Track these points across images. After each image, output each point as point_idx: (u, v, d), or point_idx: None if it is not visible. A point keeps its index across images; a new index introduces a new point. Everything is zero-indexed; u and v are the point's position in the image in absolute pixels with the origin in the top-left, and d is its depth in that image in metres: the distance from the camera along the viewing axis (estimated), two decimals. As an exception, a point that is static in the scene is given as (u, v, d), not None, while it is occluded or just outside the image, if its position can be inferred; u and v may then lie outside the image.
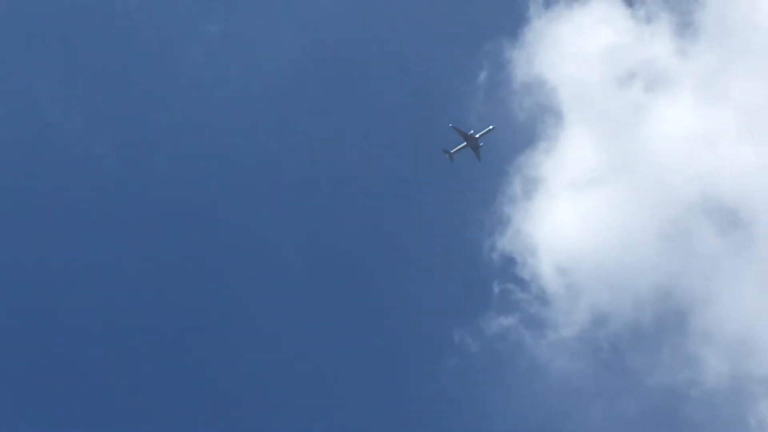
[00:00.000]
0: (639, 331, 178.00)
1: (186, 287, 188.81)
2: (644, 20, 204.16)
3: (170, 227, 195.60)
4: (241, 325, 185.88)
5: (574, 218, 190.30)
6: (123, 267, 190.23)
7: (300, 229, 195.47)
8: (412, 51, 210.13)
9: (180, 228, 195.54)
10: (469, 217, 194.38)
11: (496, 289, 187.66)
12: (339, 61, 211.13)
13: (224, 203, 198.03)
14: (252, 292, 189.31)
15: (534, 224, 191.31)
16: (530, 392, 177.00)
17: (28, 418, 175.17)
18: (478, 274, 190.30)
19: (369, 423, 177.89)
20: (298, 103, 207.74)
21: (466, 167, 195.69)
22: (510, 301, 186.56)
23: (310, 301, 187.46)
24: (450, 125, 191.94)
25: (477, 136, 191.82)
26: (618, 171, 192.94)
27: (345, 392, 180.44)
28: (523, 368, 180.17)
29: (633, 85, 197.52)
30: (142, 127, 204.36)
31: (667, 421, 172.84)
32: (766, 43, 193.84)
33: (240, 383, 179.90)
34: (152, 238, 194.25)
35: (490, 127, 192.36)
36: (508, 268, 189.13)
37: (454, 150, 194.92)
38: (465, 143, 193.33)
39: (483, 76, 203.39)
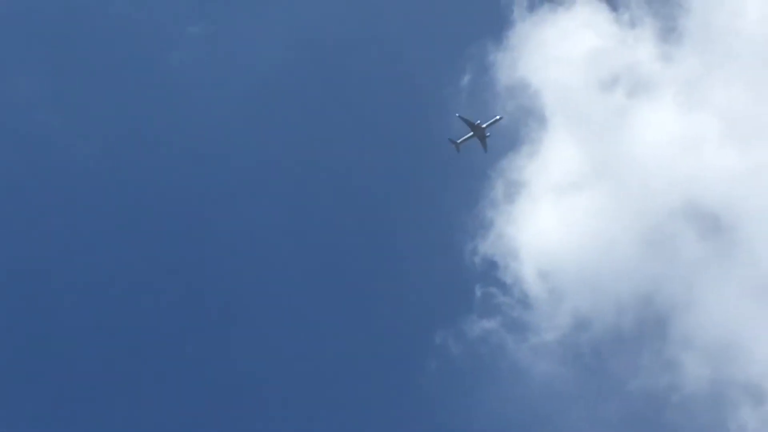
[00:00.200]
0: (620, 335, 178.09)
1: (170, 288, 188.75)
2: (628, 25, 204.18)
3: (157, 227, 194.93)
4: (221, 327, 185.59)
5: (556, 222, 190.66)
6: (110, 267, 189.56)
7: (284, 230, 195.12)
8: (396, 53, 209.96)
9: (167, 228, 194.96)
10: (451, 221, 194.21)
11: (478, 292, 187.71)
12: (323, 63, 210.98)
13: (211, 204, 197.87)
14: (232, 295, 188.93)
15: (516, 228, 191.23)
16: (511, 396, 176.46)
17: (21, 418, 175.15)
18: (460, 277, 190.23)
19: (350, 424, 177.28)
20: (283, 105, 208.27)
21: (456, 164, 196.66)
22: (492, 304, 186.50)
23: (291, 302, 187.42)
24: (457, 115, 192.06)
25: (484, 126, 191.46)
26: (601, 175, 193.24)
27: (326, 393, 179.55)
28: (504, 372, 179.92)
29: (616, 90, 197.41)
30: (128, 127, 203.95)
31: (647, 426, 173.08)
32: (749, 50, 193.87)
33: (223, 385, 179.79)
34: (139, 238, 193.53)
35: (498, 117, 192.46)
36: (490, 272, 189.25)
37: (461, 140, 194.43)
38: (471, 133, 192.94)
39: (466, 78, 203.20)
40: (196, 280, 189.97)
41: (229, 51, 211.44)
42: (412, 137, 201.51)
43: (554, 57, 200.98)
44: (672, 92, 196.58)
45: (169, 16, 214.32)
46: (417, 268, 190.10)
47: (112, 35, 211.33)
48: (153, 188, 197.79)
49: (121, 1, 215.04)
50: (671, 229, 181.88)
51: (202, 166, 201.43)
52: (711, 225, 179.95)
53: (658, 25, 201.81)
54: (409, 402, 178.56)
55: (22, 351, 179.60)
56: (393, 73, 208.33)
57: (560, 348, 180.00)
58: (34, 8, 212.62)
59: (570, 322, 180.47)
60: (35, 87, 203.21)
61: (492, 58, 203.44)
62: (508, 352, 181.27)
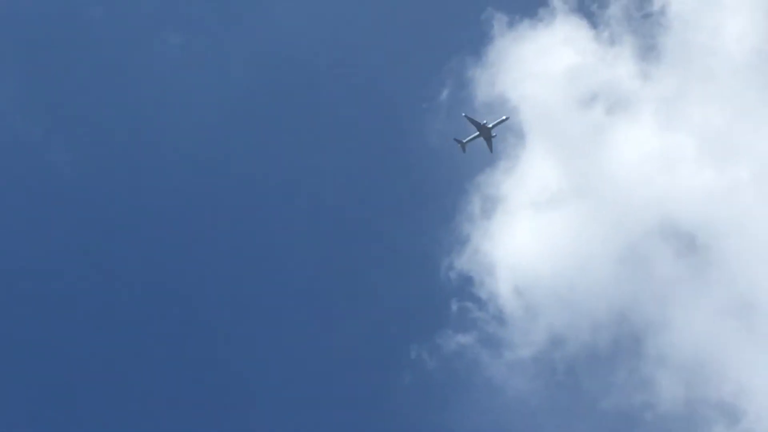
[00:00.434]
0: (595, 353, 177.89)
1: (142, 293, 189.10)
2: (608, 42, 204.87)
3: (132, 232, 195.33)
4: (195, 341, 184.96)
5: (532, 239, 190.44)
6: (79, 274, 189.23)
7: (260, 243, 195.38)
8: (375, 66, 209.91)
9: (141, 233, 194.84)
10: (428, 235, 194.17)
11: (454, 306, 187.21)
12: (303, 75, 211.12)
13: (184, 213, 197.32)
14: (209, 305, 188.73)
15: (492, 244, 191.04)
16: (486, 411, 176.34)
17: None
18: (436, 291, 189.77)
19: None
20: (261, 116, 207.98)
21: (434, 179, 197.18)
22: (468, 319, 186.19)
23: (268, 316, 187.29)
24: (463, 114, 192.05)
25: (490, 126, 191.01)
26: (578, 192, 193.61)
27: (302, 405, 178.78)
28: (479, 387, 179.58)
29: (595, 107, 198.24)
30: (108, 134, 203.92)
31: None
32: (727, 69, 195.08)
33: (194, 402, 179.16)
34: (109, 245, 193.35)
35: (504, 117, 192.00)
36: (466, 287, 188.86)
37: (466, 140, 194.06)
38: (477, 133, 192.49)
39: (445, 93, 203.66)
40: (162, 291, 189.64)
41: (209, 60, 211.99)
42: (389, 151, 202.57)
43: (533, 73, 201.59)
44: (650, 110, 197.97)
45: (150, 25, 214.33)
46: (393, 281, 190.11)
47: (93, 43, 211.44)
48: (131, 194, 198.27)
49: (101, 9, 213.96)
50: (647, 247, 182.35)
51: (181, 173, 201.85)
52: (687, 243, 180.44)
53: (638, 43, 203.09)
54: (384, 415, 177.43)
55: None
56: (371, 86, 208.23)
57: (535, 364, 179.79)
58: (12, 15, 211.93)
59: (545, 338, 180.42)
60: (13, 93, 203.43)
61: (471, 74, 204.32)
62: (482, 368, 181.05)
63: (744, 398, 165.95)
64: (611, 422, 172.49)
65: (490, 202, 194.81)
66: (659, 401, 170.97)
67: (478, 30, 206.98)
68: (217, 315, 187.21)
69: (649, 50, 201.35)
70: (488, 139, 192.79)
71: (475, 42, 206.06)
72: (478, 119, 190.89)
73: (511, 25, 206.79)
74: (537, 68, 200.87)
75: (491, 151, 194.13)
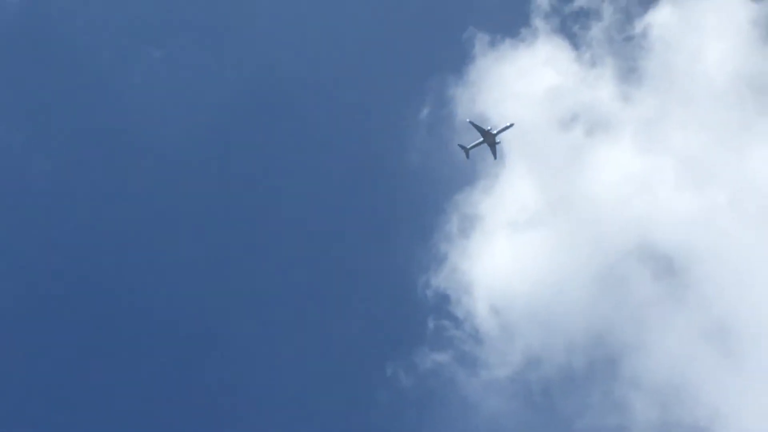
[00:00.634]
0: (570, 374, 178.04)
1: (117, 301, 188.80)
2: (589, 64, 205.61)
3: (107, 244, 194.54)
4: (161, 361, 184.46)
5: (510, 258, 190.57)
6: (58, 282, 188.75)
7: (236, 258, 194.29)
8: (356, 83, 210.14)
9: (117, 245, 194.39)
10: (405, 253, 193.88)
11: (430, 324, 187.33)
12: (282, 91, 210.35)
13: (163, 224, 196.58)
14: (180, 327, 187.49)
15: (470, 263, 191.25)
16: (461, 430, 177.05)
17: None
18: (412, 309, 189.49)
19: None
20: (239, 131, 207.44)
21: (413, 196, 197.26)
22: (444, 337, 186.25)
23: (243, 332, 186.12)
24: (467, 120, 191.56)
25: (494, 132, 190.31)
26: (556, 213, 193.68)
27: (276, 422, 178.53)
28: (454, 406, 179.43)
29: (575, 128, 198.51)
30: (84, 147, 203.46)
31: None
32: (707, 94, 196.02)
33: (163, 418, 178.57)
34: (89, 254, 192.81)
35: (509, 123, 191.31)
36: (443, 305, 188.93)
37: (471, 146, 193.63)
38: (481, 140, 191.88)
39: (425, 111, 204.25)
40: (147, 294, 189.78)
41: (190, 73, 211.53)
42: (369, 168, 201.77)
43: (514, 93, 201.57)
44: (630, 132, 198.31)
45: (131, 38, 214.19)
46: (370, 298, 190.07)
47: (75, 54, 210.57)
48: (111, 204, 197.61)
49: (83, 21, 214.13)
50: (624, 269, 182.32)
51: (161, 184, 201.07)
52: (664, 266, 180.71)
53: (619, 65, 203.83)
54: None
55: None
56: (352, 103, 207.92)
57: (510, 384, 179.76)
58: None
59: (521, 358, 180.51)
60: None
61: (452, 92, 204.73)
62: (458, 386, 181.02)
63: (718, 422, 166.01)
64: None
65: (468, 221, 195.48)
66: (634, 424, 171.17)
67: (460, 49, 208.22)
68: (193, 333, 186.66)
69: (630, 72, 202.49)
70: (492, 145, 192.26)
71: (456, 61, 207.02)
72: (482, 125, 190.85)
73: (492, 44, 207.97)
74: (518, 88, 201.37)
75: (495, 157, 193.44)
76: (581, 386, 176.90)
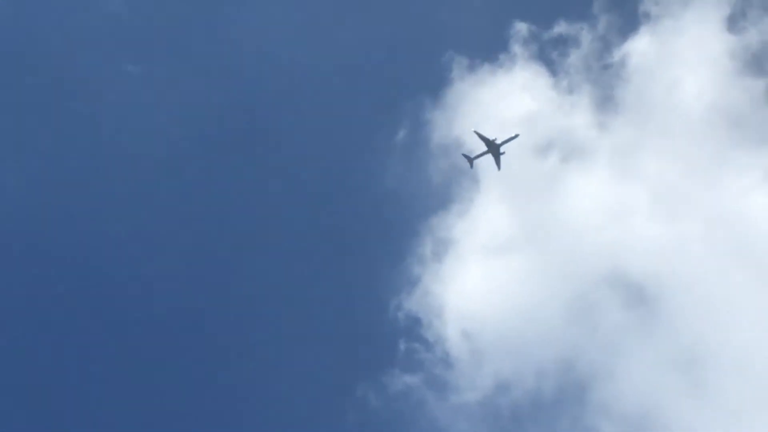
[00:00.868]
0: (540, 400, 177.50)
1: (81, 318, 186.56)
2: (566, 90, 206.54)
3: (79, 262, 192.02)
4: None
5: (482, 283, 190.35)
6: (25, 301, 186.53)
7: (208, 279, 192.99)
8: (333, 103, 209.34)
9: (89, 263, 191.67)
10: (378, 274, 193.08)
11: (401, 346, 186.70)
12: (256, 110, 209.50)
13: (135, 244, 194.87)
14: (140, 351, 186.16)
15: (442, 286, 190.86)
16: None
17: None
18: (384, 331, 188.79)
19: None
20: (213, 151, 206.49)
21: (386, 218, 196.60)
22: (415, 360, 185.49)
23: (211, 350, 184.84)
24: (473, 130, 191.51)
25: (499, 143, 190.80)
26: (529, 239, 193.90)
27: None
28: (423, 428, 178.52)
29: (550, 154, 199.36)
30: (56, 166, 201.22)
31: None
32: (682, 124, 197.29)
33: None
34: (57, 279, 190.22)
35: (515, 134, 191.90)
36: (414, 328, 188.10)
37: (475, 156, 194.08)
38: (486, 150, 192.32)
39: (401, 134, 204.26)
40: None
41: (166, 90, 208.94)
42: (343, 189, 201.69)
43: (491, 117, 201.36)
44: (605, 160, 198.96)
45: (107, 54, 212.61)
46: (341, 318, 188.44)
47: (49, 69, 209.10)
48: (83, 223, 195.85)
49: (59, 36, 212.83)
50: (596, 296, 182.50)
51: (134, 201, 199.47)
52: (635, 295, 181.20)
53: (596, 93, 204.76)
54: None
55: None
56: (327, 122, 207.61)
57: (480, 409, 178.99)
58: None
59: (490, 384, 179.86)
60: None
61: (428, 116, 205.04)
62: (428, 409, 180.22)
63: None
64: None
65: (441, 245, 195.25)
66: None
67: (438, 72, 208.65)
68: (158, 356, 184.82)
69: (606, 101, 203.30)
70: (497, 155, 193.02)
71: (434, 84, 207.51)
72: (487, 136, 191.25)
73: (471, 68, 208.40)
74: (495, 113, 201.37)
75: (499, 168, 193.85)
76: (550, 412, 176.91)
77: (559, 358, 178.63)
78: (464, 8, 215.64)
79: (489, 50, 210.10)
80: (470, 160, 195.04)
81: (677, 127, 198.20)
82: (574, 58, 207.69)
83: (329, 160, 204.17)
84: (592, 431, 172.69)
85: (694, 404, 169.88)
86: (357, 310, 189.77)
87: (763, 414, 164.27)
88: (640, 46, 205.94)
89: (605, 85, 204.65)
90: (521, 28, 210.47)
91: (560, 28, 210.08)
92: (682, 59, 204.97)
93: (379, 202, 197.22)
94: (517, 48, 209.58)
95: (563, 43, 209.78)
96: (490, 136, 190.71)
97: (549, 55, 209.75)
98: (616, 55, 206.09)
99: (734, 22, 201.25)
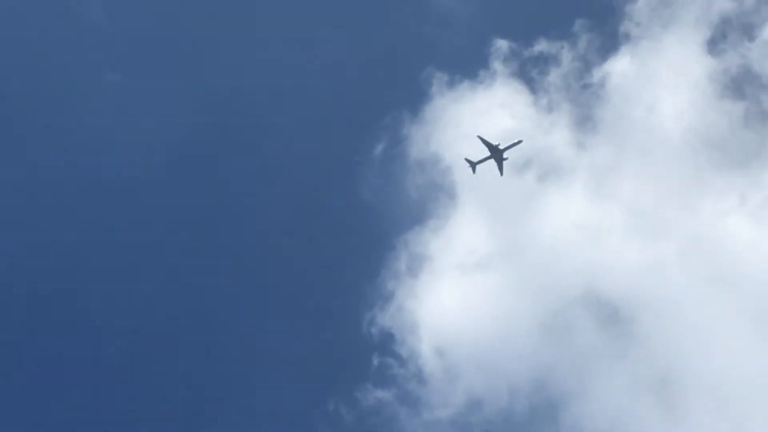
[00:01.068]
0: (512, 418, 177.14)
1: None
2: (545, 109, 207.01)
3: (55, 273, 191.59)
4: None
5: (457, 300, 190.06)
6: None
7: (183, 294, 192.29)
8: (311, 116, 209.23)
9: (65, 275, 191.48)
10: (352, 289, 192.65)
11: (375, 361, 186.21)
12: (237, 121, 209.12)
13: (116, 255, 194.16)
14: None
15: (417, 302, 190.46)
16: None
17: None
18: (357, 345, 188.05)
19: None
20: (193, 161, 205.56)
21: (362, 232, 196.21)
22: (388, 375, 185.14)
23: (185, 365, 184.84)
24: (477, 135, 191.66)
25: (502, 148, 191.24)
26: (505, 257, 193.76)
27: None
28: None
29: (528, 172, 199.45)
30: (35, 175, 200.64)
31: None
32: (661, 146, 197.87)
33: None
34: (38, 294, 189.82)
35: (518, 140, 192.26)
36: (388, 343, 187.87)
37: (477, 161, 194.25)
38: (489, 155, 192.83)
39: (379, 148, 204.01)
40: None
41: (147, 99, 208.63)
42: (319, 202, 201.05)
43: (469, 135, 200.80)
44: (582, 180, 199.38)
45: (87, 62, 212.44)
46: (314, 332, 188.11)
47: (29, 78, 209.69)
48: (63, 233, 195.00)
49: (41, 45, 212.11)
50: (570, 316, 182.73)
51: (115, 211, 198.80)
52: (609, 315, 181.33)
53: (575, 112, 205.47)
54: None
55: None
56: (306, 135, 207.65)
57: (452, 426, 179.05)
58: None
59: (463, 401, 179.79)
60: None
61: (406, 131, 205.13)
62: (400, 425, 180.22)
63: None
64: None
65: (417, 261, 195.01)
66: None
67: (418, 87, 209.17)
68: (128, 372, 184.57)
69: (585, 120, 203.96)
70: (499, 161, 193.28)
71: (413, 99, 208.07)
72: (491, 141, 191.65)
73: (450, 84, 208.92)
74: (473, 129, 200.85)
75: (501, 173, 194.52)
76: (522, 431, 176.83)
77: (533, 376, 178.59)
78: (445, 24, 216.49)
79: (469, 67, 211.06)
80: (473, 165, 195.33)
81: (655, 148, 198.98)
82: (554, 76, 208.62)
83: (306, 173, 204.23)
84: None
85: (665, 426, 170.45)
86: (330, 323, 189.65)
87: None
88: (619, 67, 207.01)
89: (584, 104, 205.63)
90: (502, 45, 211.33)
91: (541, 46, 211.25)
92: (661, 81, 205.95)
93: (355, 216, 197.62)
94: (497, 65, 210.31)
95: (543, 61, 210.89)
96: (494, 142, 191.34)
97: (529, 73, 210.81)
98: (596, 74, 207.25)
99: (714, 45, 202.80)
